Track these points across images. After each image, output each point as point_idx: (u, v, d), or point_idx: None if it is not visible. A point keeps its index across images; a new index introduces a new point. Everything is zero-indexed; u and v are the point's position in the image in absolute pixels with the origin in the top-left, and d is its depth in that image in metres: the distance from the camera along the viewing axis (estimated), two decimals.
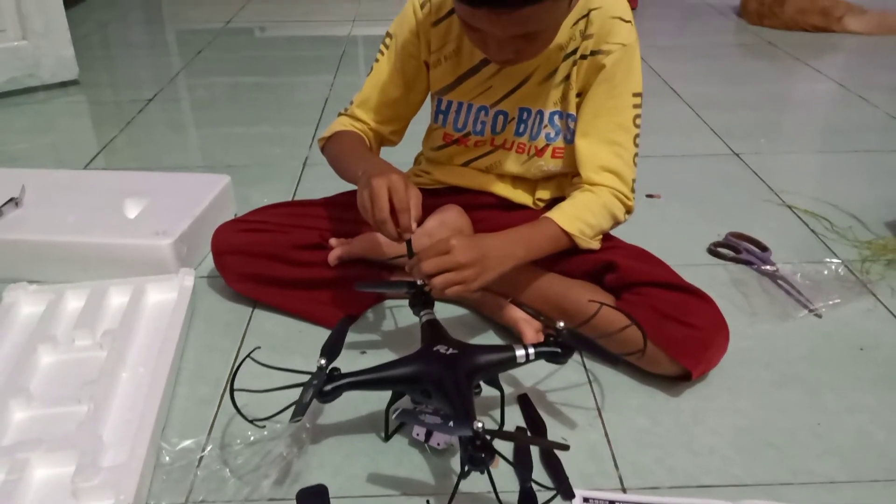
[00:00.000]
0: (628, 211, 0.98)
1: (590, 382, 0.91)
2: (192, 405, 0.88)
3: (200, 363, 0.96)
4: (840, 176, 1.49)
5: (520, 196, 1.06)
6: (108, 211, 1.17)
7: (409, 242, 0.88)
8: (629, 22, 0.93)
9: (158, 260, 1.08)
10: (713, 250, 1.20)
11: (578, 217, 0.93)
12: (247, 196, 1.39)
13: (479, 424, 0.66)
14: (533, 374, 0.91)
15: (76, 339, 0.94)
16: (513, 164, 1.04)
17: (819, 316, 1.03)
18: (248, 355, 0.82)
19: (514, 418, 0.84)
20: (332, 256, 1.03)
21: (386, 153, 1.09)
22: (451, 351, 0.78)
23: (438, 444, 0.78)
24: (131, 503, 0.70)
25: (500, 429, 0.80)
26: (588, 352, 0.83)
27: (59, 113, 1.91)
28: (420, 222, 0.87)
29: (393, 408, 0.80)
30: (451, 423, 0.68)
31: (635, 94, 0.96)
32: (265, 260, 1.04)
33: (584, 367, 0.93)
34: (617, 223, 0.98)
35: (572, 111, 0.98)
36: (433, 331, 0.83)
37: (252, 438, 0.81)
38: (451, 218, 1.04)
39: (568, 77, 0.96)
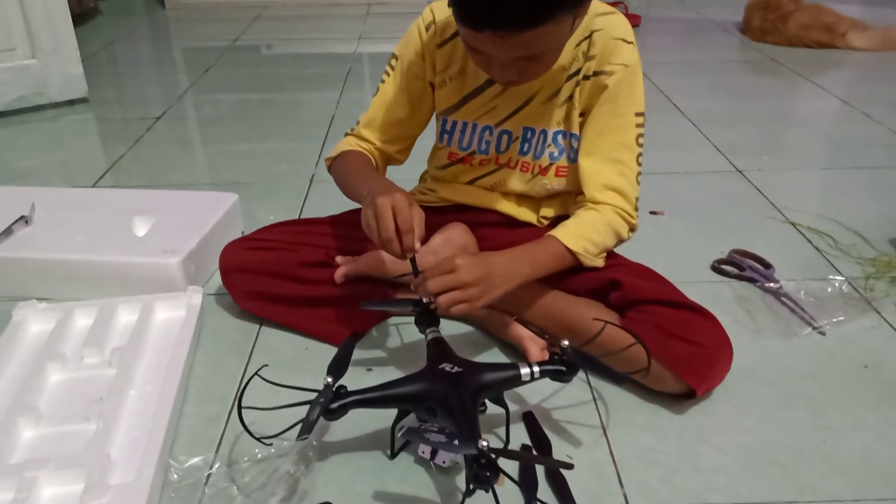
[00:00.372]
0: (632, 229, 0.99)
1: (594, 400, 0.91)
2: (199, 423, 0.89)
3: (208, 381, 0.97)
4: (844, 193, 1.49)
5: (524, 214, 1.07)
6: (117, 229, 1.18)
7: (413, 260, 0.89)
8: (631, 43, 0.94)
9: (167, 278, 1.09)
10: (717, 267, 1.21)
11: (582, 235, 0.94)
12: (254, 213, 1.40)
13: (484, 443, 0.66)
14: (538, 391, 0.91)
15: (85, 357, 0.95)
16: (517, 183, 1.05)
17: (823, 333, 1.03)
18: (255, 373, 0.83)
19: (520, 436, 0.85)
20: (339, 274, 1.04)
21: (392, 170, 1.10)
22: (456, 369, 0.79)
23: (444, 462, 0.79)
24: None
25: (505, 447, 0.80)
26: (593, 371, 0.83)
27: (68, 130, 1.93)
28: (425, 240, 0.88)
29: (399, 426, 0.81)
30: (456, 442, 0.68)
31: (638, 114, 0.97)
32: (272, 278, 1.04)
33: (589, 384, 0.94)
34: (621, 241, 0.99)
35: (575, 130, 0.99)
36: (438, 349, 0.84)
37: (259, 456, 0.81)
38: (456, 235, 1.04)
39: (571, 97, 0.97)
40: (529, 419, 0.87)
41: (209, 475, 0.80)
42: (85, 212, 1.25)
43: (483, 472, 0.65)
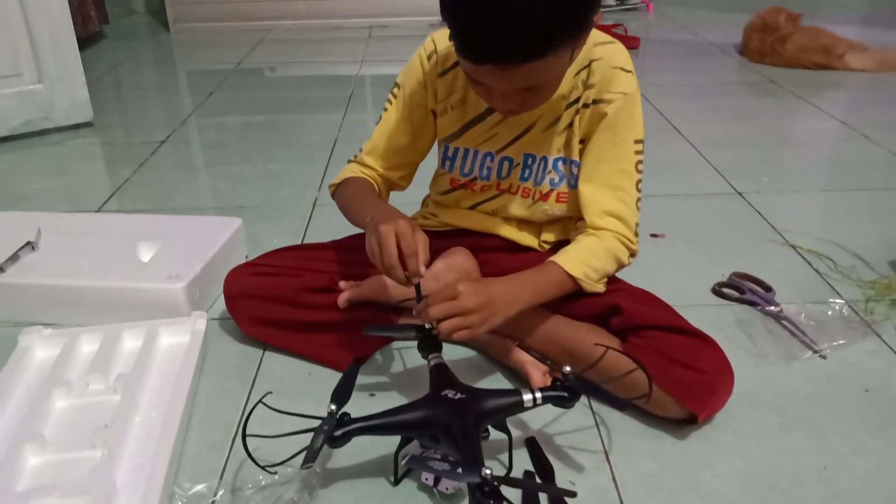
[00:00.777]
0: (632, 254, 1.00)
1: (597, 426, 0.92)
2: (203, 450, 0.89)
3: (212, 407, 0.97)
4: (843, 215, 1.50)
5: (525, 238, 1.08)
6: (122, 254, 1.20)
7: (417, 286, 0.90)
8: (630, 72, 0.96)
9: (171, 303, 1.10)
10: (717, 290, 1.22)
11: (583, 261, 0.95)
12: (257, 237, 1.41)
13: (488, 471, 0.67)
14: (540, 417, 0.92)
15: (90, 383, 0.95)
16: (518, 208, 1.06)
17: (824, 357, 1.04)
18: (259, 401, 0.83)
19: (523, 461, 0.85)
20: (342, 299, 1.05)
21: (394, 193, 1.11)
22: (459, 396, 0.79)
23: (447, 489, 0.79)
24: None
25: (507, 474, 0.80)
26: (594, 396, 0.84)
27: (73, 155, 1.95)
28: (428, 265, 0.89)
29: (402, 453, 0.81)
30: (459, 470, 0.69)
31: (637, 141, 0.98)
32: (276, 304, 1.05)
33: (591, 409, 0.94)
34: (621, 266, 1.00)
35: (575, 157, 1.00)
36: (441, 375, 0.85)
37: (263, 483, 0.82)
38: (458, 261, 1.05)
39: (571, 125, 0.98)
40: (532, 445, 0.87)
41: (213, 502, 0.80)
42: (90, 237, 1.26)
43: (486, 500, 0.66)
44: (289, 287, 1.05)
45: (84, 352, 1.03)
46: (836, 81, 2.48)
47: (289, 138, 2.04)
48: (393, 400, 0.97)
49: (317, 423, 0.76)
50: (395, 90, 1.05)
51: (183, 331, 1.06)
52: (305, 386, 1.01)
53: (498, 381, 1.00)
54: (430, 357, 0.89)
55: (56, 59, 2.00)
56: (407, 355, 1.07)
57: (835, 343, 1.06)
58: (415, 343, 0.94)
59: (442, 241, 1.08)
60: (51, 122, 2.05)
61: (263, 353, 1.08)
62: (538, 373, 0.95)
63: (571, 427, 0.91)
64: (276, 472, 0.80)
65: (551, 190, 1.03)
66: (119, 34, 3.39)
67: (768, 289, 1.19)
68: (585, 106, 0.97)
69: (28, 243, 1.21)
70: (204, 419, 0.95)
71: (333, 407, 0.77)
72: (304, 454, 0.74)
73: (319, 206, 1.57)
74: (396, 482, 0.82)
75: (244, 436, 0.78)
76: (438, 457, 0.76)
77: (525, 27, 0.73)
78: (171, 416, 0.89)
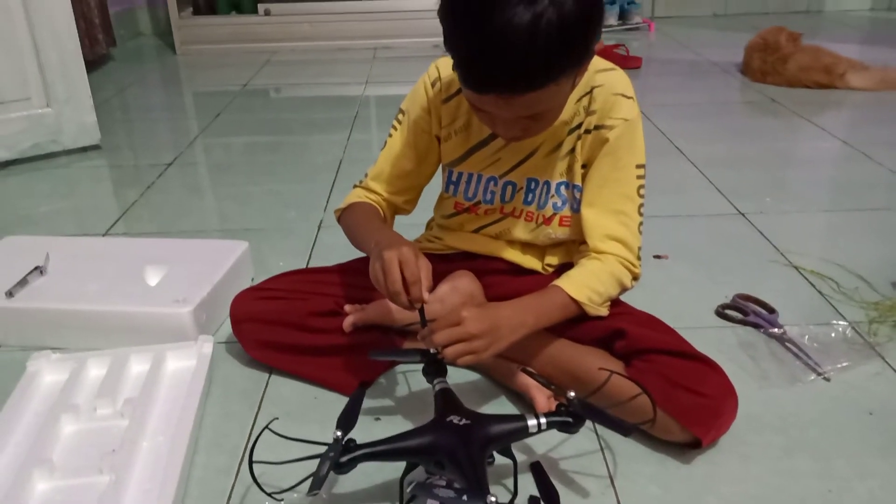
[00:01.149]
0: (635, 278, 1.01)
1: (602, 450, 0.92)
2: (210, 474, 0.90)
3: (218, 430, 0.98)
4: (846, 235, 1.51)
5: (529, 261, 1.09)
6: (130, 278, 1.21)
7: (421, 310, 0.90)
8: (631, 98, 0.97)
9: (178, 327, 1.11)
10: (721, 312, 1.22)
11: (587, 285, 0.96)
12: (263, 259, 1.42)
13: (493, 498, 0.67)
14: (545, 441, 0.92)
15: (98, 407, 0.96)
16: (522, 232, 1.07)
17: (828, 380, 1.04)
18: (266, 426, 0.84)
19: (528, 487, 0.85)
20: (347, 323, 1.06)
21: (399, 216, 1.13)
22: (464, 422, 0.80)
23: None
24: None
25: (512, 500, 0.80)
26: (599, 422, 0.84)
27: (81, 178, 1.97)
28: (431, 290, 0.90)
29: (407, 479, 0.82)
30: (464, 497, 0.69)
31: (639, 166, 0.99)
32: (282, 327, 1.06)
33: (596, 434, 0.94)
34: (624, 290, 1.01)
35: (578, 182, 1.01)
36: (446, 400, 0.85)
37: None
38: (462, 284, 1.06)
39: (573, 150, 1.00)
40: (537, 470, 0.87)
41: None
42: (98, 261, 1.27)
43: None
44: (295, 311, 1.06)
45: (92, 376, 1.04)
46: (837, 100, 2.49)
47: (294, 159, 2.05)
48: (398, 424, 0.98)
49: (323, 448, 0.77)
50: (400, 116, 1.07)
51: (190, 355, 1.07)
52: (311, 410, 1.01)
53: (503, 405, 1.01)
54: (436, 382, 0.89)
55: (64, 84, 2.03)
56: (412, 378, 1.07)
57: (838, 365, 1.06)
58: (420, 366, 0.95)
59: (446, 264, 1.09)
60: (59, 145, 2.07)
61: (269, 377, 1.08)
62: (543, 397, 0.95)
63: (576, 451, 0.92)
64: (282, 499, 0.81)
65: (554, 214, 1.04)
66: (126, 56, 3.43)
67: (772, 310, 1.20)
68: (587, 132, 0.98)
69: (37, 268, 1.22)
70: (210, 443, 0.95)
71: (339, 433, 0.77)
72: (310, 480, 0.74)
73: (324, 227, 1.59)
74: None
75: (251, 462, 0.79)
76: (444, 483, 0.77)
77: (527, 58, 0.75)
78: (178, 440, 0.89)
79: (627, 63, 2.94)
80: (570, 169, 1.01)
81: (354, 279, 1.12)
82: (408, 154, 1.06)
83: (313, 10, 3.41)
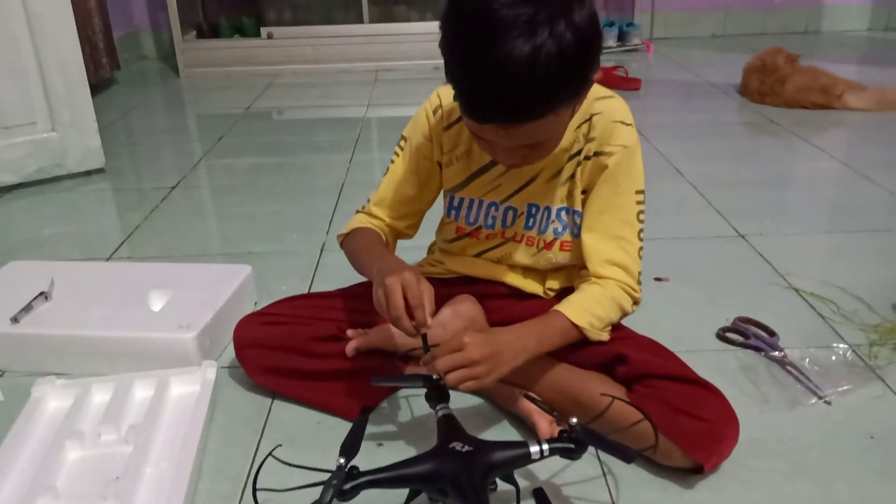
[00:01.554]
0: (635, 302, 1.02)
1: (604, 475, 0.92)
2: (213, 500, 0.90)
3: (221, 456, 0.98)
4: (845, 257, 1.52)
5: (530, 286, 1.10)
6: (134, 304, 1.22)
7: (424, 336, 0.91)
8: (630, 125, 0.98)
9: (182, 353, 1.12)
10: (722, 335, 1.23)
11: (587, 310, 0.97)
12: (266, 282, 1.43)
13: None
14: (547, 467, 0.92)
15: (102, 434, 0.97)
16: (523, 256, 1.08)
17: (829, 403, 1.04)
18: (269, 453, 0.84)
19: None
20: (350, 348, 1.07)
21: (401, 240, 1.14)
22: (466, 448, 0.80)
23: None
24: None
25: None
26: (601, 448, 0.85)
27: (85, 201, 1.99)
28: (433, 315, 0.91)
29: None
30: None
31: (638, 192, 1.00)
32: (285, 353, 1.07)
33: (599, 459, 0.95)
34: (625, 315, 1.02)
35: (578, 208, 1.02)
36: (449, 427, 0.86)
37: None
38: (464, 308, 1.07)
39: (573, 176, 1.01)
40: (540, 496, 0.87)
41: None
42: (102, 286, 1.28)
43: None
44: (298, 336, 1.07)
45: (96, 402, 1.05)
46: (835, 121, 2.51)
47: (297, 181, 2.07)
48: (401, 450, 0.98)
49: (326, 476, 0.77)
50: (402, 143, 1.08)
51: (193, 380, 1.07)
52: (314, 435, 1.02)
53: (505, 430, 1.01)
54: (438, 407, 0.90)
55: (69, 109, 2.05)
56: (414, 403, 1.08)
57: (839, 389, 1.06)
58: (422, 391, 0.95)
59: (448, 288, 1.10)
60: (63, 169, 2.09)
61: (272, 402, 1.09)
62: (545, 422, 0.95)
63: (579, 477, 0.92)
64: None
65: (555, 239, 1.05)
66: (130, 80, 3.47)
67: (772, 333, 1.20)
68: (587, 158, 0.99)
69: (41, 293, 1.23)
70: (213, 469, 0.96)
71: (342, 460, 0.78)
72: None
73: (327, 251, 1.60)
74: None
75: (254, 489, 0.79)
76: None
77: (526, 90, 0.76)
78: (182, 467, 0.90)
79: (626, 84, 2.96)
80: (570, 194, 1.02)
81: (357, 304, 1.13)
82: (410, 180, 1.08)
83: (315, 34, 3.45)
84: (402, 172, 1.08)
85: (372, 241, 1.07)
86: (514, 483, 0.83)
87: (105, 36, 3.20)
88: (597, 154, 0.99)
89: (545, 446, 0.81)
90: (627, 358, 0.96)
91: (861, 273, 1.42)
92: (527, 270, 1.10)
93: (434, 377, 0.91)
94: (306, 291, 1.40)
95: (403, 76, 3.34)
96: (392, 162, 1.09)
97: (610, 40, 3.58)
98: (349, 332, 1.09)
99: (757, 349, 1.18)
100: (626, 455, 0.82)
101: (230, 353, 1.15)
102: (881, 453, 0.95)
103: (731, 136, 2.43)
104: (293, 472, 0.82)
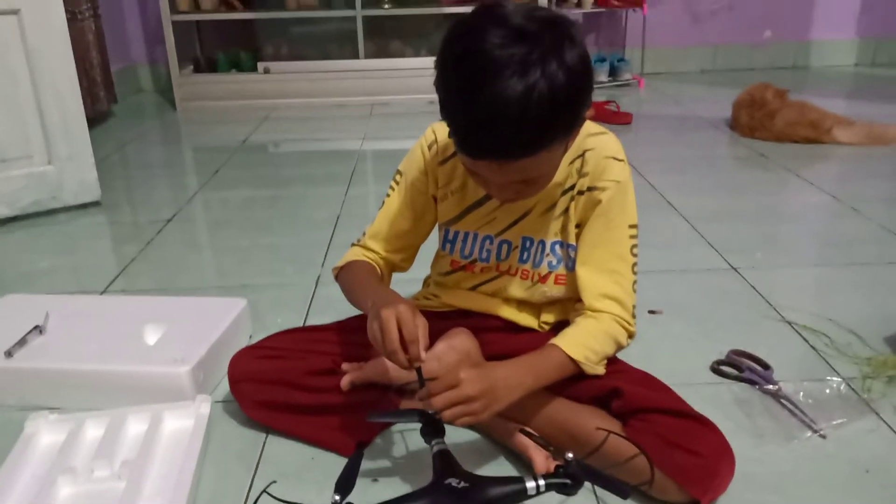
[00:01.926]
0: (630, 336, 1.02)
1: None
2: None
3: (215, 492, 0.97)
4: (837, 290, 1.53)
5: (525, 319, 1.11)
6: (128, 337, 1.21)
7: (419, 369, 0.91)
8: (622, 161, 1.00)
9: (176, 387, 1.11)
10: (716, 368, 1.23)
11: (583, 344, 0.97)
12: (261, 315, 1.43)
13: None
14: (543, 501, 0.92)
15: (95, 469, 0.96)
16: (517, 290, 1.08)
17: (823, 437, 1.04)
18: (264, 490, 0.84)
19: None
20: (345, 382, 1.07)
21: (396, 273, 1.15)
22: (462, 484, 0.80)
23: None
24: None
25: None
26: (597, 483, 0.85)
27: (80, 234, 1.99)
28: (429, 347, 0.91)
29: None
30: None
31: (631, 226, 1.01)
32: (280, 387, 1.07)
33: (595, 494, 0.94)
34: (620, 348, 1.02)
35: (572, 241, 1.03)
36: (444, 462, 0.85)
37: None
38: (459, 342, 1.07)
39: (567, 210, 1.02)
40: None
41: None
42: (97, 319, 1.28)
43: None
44: (293, 370, 1.07)
45: (90, 437, 1.04)
46: (824, 155, 2.54)
47: (292, 214, 2.08)
48: (396, 486, 0.97)
49: None
50: (398, 177, 1.10)
51: (187, 415, 1.07)
52: (308, 471, 1.01)
53: (500, 465, 1.01)
54: (434, 443, 0.90)
55: (66, 142, 2.06)
56: (410, 438, 1.07)
57: (833, 422, 1.07)
58: (418, 425, 0.95)
59: (443, 321, 1.10)
60: (59, 201, 2.09)
61: (266, 437, 1.08)
62: (541, 457, 0.95)
63: None
64: None
65: (549, 272, 1.06)
66: (127, 113, 3.49)
67: (766, 366, 1.21)
68: (580, 193, 1.01)
69: (36, 327, 1.23)
70: None
71: (337, 497, 0.78)
72: None
73: (322, 284, 1.60)
74: None
75: None
76: None
77: (519, 128, 0.78)
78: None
79: (618, 119, 3.00)
80: (564, 228, 1.03)
81: (352, 337, 1.13)
82: (405, 214, 1.09)
83: (312, 69, 3.49)
84: (398, 206, 1.09)
85: (367, 273, 1.07)
86: None
87: (103, 70, 3.23)
88: (590, 189, 1.00)
89: (541, 482, 0.81)
90: (622, 392, 0.96)
91: (853, 306, 1.43)
92: (521, 304, 1.11)
93: (430, 412, 0.91)
94: (301, 325, 1.40)
95: (398, 110, 3.38)
96: (387, 196, 1.10)
97: (601, 75, 3.64)
98: (344, 366, 1.09)
99: (751, 382, 1.18)
100: (623, 490, 0.82)
101: (225, 387, 1.14)
102: (876, 487, 0.95)
103: (722, 170, 2.45)
104: None
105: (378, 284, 1.05)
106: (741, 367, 1.21)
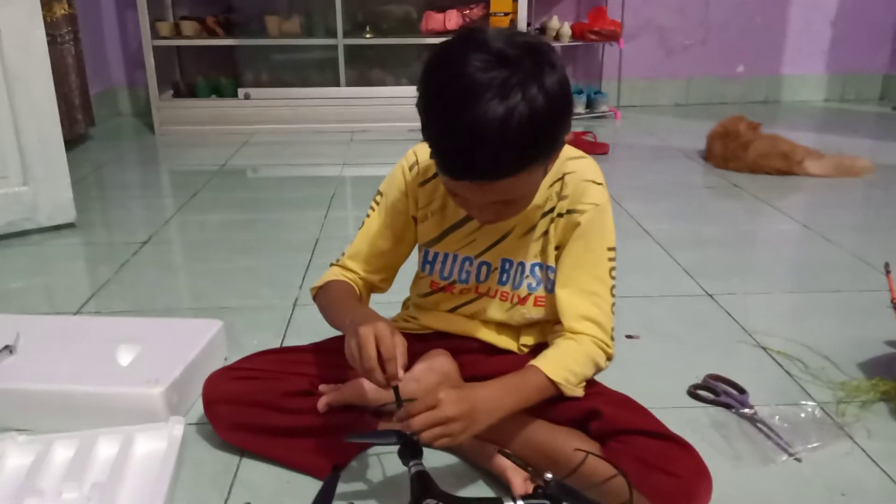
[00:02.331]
0: (609, 357, 1.03)
1: None
2: None
3: None
4: (811, 316, 1.55)
5: (504, 342, 1.11)
6: (101, 358, 1.19)
7: (396, 389, 0.91)
8: (601, 184, 1.01)
9: (149, 409, 1.09)
10: (693, 392, 1.24)
11: (563, 366, 0.97)
12: (238, 337, 1.42)
13: None
14: None
15: (63, 492, 0.93)
16: (497, 311, 1.09)
17: (799, 460, 1.05)
18: None
19: None
20: (322, 403, 1.05)
21: (375, 295, 1.14)
22: None
23: None
24: None
25: None
26: None
27: (54, 255, 1.96)
28: (408, 368, 0.91)
29: None
30: None
31: (609, 249, 1.03)
32: (255, 408, 1.05)
33: None
34: (599, 370, 1.02)
35: (552, 263, 1.04)
36: (422, 484, 0.85)
37: None
38: (438, 363, 1.07)
39: (546, 232, 1.03)
40: None
41: None
42: (69, 340, 1.26)
43: None
44: (269, 391, 1.06)
45: (58, 459, 1.01)
46: (795, 186, 2.60)
47: (271, 237, 2.07)
48: None
49: None
50: (378, 198, 1.10)
51: (160, 437, 1.05)
52: (283, 494, 0.99)
53: (479, 488, 1.00)
54: (411, 464, 0.89)
55: (43, 164, 2.04)
56: (386, 460, 1.06)
57: (809, 445, 1.07)
58: (394, 446, 0.94)
59: (422, 343, 1.10)
60: (33, 223, 2.06)
61: (241, 460, 1.06)
62: (519, 479, 0.95)
63: None
64: None
65: (529, 294, 1.06)
66: (105, 135, 3.47)
67: (742, 391, 1.22)
68: (560, 215, 1.02)
69: (6, 347, 1.20)
70: None
71: None
72: None
73: (300, 306, 1.59)
74: None
75: None
76: None
77: (500, 150, 0.79)
78: None
79: (595, 149, 3.04)
80: (543, 251, 1.04)
81: (329, 358, 1.12)
82: (385, 234, 1.09)
83: (292, 95, 3.50)
84: (378, 226, 1.09)
85: (345, 293, 1.07)
86: None
87: (81, 93, 3.21)
88: (569, 212, 1.01)
89: (520, 503, 0.81)
90: (601, 413, 0.96)
91: (825, 331, 1.46)
92: (500, 326, 1.11)
93: (408, 433, 0.91)
94: (278, 346, 1.39)
95: (379, 137, 3.40)
96: (367, 216, 1.10)
97: (579, 107, 3.69)
98: (321, 387, 1.08)
99: (727, 406, 1.19)
100: None
101: (199, 408, 1.13)
102: None
103: (696, 199, 2.49)
104: None
105: (356, 304, 1.05)
106: (717, 392, 1.22)
